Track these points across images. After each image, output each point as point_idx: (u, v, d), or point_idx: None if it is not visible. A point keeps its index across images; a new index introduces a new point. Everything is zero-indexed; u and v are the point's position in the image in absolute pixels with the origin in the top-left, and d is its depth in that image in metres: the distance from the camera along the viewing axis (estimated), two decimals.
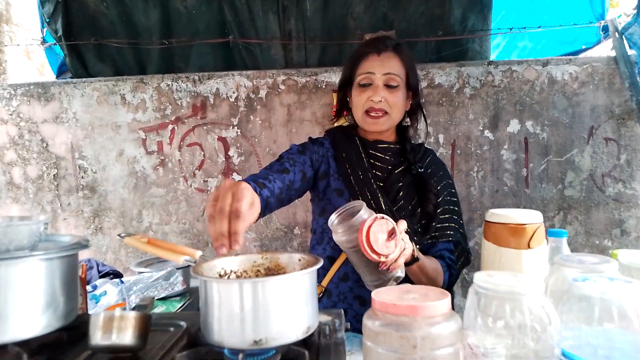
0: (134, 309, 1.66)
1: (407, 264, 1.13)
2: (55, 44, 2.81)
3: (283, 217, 2.59)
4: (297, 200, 2.56)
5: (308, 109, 2.54)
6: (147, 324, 0.73)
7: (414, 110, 1.46)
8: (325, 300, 1.35)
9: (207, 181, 2.63)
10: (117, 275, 2.08)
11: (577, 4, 2.58)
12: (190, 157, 2.64)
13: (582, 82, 2.38)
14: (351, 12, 2.68)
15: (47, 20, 2.73)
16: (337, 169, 1.41)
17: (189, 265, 0.78)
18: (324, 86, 2.52)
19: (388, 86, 1.35)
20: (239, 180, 0.84)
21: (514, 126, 2.44)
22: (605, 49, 2.71)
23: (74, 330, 0.81)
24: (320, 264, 0.74)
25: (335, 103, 2.45)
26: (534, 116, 2.43)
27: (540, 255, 0.97)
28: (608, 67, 2.35)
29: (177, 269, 1.87)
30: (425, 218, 1.35)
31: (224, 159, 2.62)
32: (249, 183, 1.00)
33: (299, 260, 0.83)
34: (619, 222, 2.40)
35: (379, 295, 0.67)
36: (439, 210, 1.35)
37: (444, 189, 1.41)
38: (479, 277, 0.66)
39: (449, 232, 1.35)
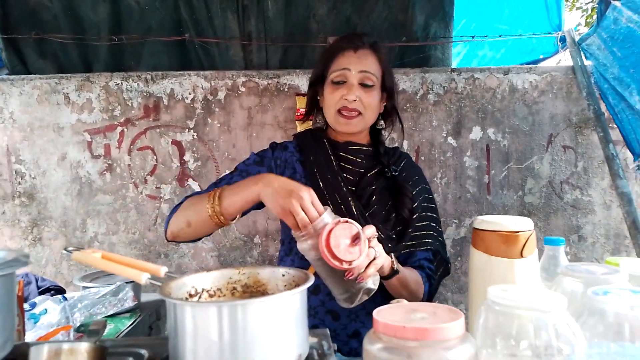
0: (78, 329, 1.49)
1: (387, 277, 1.05)
2: None
3: (242, 226, 2.46)
4: None
5: (270, 112, 2.44)
6: (102, 358, 0.61)
7: (389, 112, 1.39)
8: None
9: (159, 187, 2.46)
10: (58, 291, 1.89)
11: (535, 15, 2.64)
12: (141, 162, 2.46)
13: (542, 90, 2.42)
14: (314, 15, 2.61)
15: None
16: (305, 173, 1.32)
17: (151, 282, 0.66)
18: (286, 89, 2.43)
19: (363, 85, 1.28)
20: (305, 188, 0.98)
21: (476, 133, 2.45)
22: (560, 60, 2.79)
23: None
24: (312, 281, 0.65)
25: (298, 107, 2.39)
26: (495, 123, 2.44)
27: (533, 264, 0.91)
28: (566, 76, 2.40)
29: (127, 283, 1.72)
30: (400, 224, 1.27)
31: (178, 164, 2.46)
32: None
33: (283, 275, 0.72)
34: (576, 228, 2.44)
35: (382, 316, 0.59)
36: (415, 217, 1.28)
37: (420, 194, 1.35)
38: (494, 293, 0.59)
39: (427, 240, 1.28)
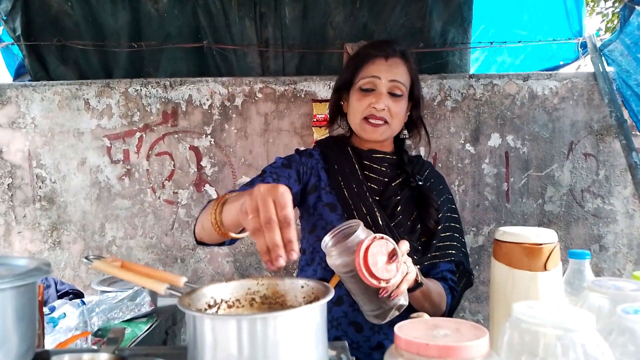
0: (96, 334, 1.51)
1: (410, 290, 1.03)
2: (13, 44, 2.62)
3: None
4: None
5: (286, 118, 2.44)
6: None
7: (414, 122, 1.37)
8: None
9: (177, 192, 2.48)
10: (77, 295, 1.91)
11: (555, 20, 2.60)
12: (159, 167, 2.48)
13: (562, 97, 2.38)
14: (331, 22, 2.62)
15: (4, 17, 2.54)
16: (329, 181, 1.29)
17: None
18: (303, 95, 2.43)
19: (392, 94, 1.25)
20: (274, 184, 0.75)
21: (495, 140, 2.41)
22: (579, 66, 2.75)
23: None
24: (332, 294, 0.64)
25: (315, 113, 2.39)
26: (514, 130, 2.41)
27: (557, 278, 0.89)
28: (587, 83, 2.36)
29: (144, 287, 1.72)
30: (425, 235, 1.25)
31: (195, 170, 2.48)
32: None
33: (302, 287, 0.71)
34: (597, 237, 2.39)
35: (403, 332, 0.57)
36: (439, 227, 1.26)
37: (444, 204, 1.32)
38: (519, 310, 0.57)
39: (451, 251, 1.25)
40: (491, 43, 2.63)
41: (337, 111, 1.38)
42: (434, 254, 1.23)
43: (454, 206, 1.36)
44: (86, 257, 0.72)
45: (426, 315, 0.78)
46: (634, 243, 2.37)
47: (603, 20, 6.01)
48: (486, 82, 2.41)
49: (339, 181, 1.26)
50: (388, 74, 1.24)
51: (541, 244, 0.88)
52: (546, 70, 2.65)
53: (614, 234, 2.38)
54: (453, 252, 1.25)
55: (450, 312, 1.24)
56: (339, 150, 1.33)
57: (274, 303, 0.72)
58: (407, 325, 0.60)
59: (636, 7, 1.88)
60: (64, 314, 1.57)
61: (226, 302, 0.70)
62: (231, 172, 2.47)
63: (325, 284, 0.68)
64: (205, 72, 2.64)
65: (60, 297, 1.89)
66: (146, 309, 1.70)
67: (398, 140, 1.39)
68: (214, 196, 2.46)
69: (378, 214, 1.21)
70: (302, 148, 1.41)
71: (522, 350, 0.56)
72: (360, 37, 2.57)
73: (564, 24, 2.58)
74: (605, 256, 2.39)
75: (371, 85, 1.25)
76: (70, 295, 1.91)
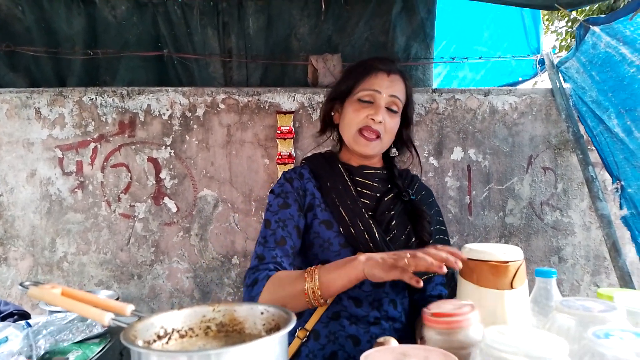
0: (43, 358, 1.40)
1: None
2: None
3: (220, 246, 2.39)
4: (236, 227, 2.38)
5: (249, 130, 2.39)
6: None
7: (404, 141, 1.39)
8: (312, 343, 1.19)
9: (134, 206, 2.37)
10: (23, 316, 1.79)
11: (514, 38, 2.67)
12: (114, 179, 2.37)
13: (522, 112, 2.43)
14: (295, 33, 2.60)
15: None
16: (323, 199, 1.28)
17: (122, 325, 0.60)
18: (267, 107, 2.39)
19: (389, 109, 1.27)
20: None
21: (457, 154, 2.44)
22: (536, 82, 2.83)
23: None
24: (293, 322, 0.59)
25: (279, 125, 2.35)
26: (476, 144, 2.44)
27: (523, 296, 0.88)
28: (545, 98, 2.42)
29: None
30: (419, 247, 1.26)
31: (154, 182, 2.38)
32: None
33: (262, 313, 0.67)
34: (556, 249, 2.44)
35: None
36: (431, 241, 1.27)
37: (434, 217, 1.35)
38: (490, 337, 0.55)
39: None
40: (453, 58, 2.67)
41: (329, 122, 1.39)
42: None
43: (441, 218, 1.40)
44: (21, 284, 0.65)
45: (393, 341, 0.74)
46: (590, 255, 2.43)
47: (557, 39, 6.27)
48: (448, 96, 2.44)
49: (333, 198, 1.25)
50: (389, 89, 1.25)
51: (507, 262, 0.87)
52: (506, 86, 2.71)
53: (572, 246, 2.43)
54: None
55: None
56: (329, 167, 1.32)
57: (232, 331, 0.67)
58: (374, 355, 0.56)
59: (591, 26, 1.94)
60: (6, 337, 1.47)
61: (178, 331, 0.64)
62: (192, 185, 2.39)
63: (287, 310, 0.63)
64: (165, 82, 2.56)
65: (3, 318, 1.77)
66: (99, 329, 1.61)
67: (388, 156, 1.41)
68: (174, 210, 2.37)
69: (375, 230, 1.21)
70: (286, 170, 1.38)
71: None
72: (324, 50, 2.56)
73: (523, 41, 2.66)
74: (564, 268, 2.44)
75: (370, 98, 1.26)
76: (15, 317, 1.78)
